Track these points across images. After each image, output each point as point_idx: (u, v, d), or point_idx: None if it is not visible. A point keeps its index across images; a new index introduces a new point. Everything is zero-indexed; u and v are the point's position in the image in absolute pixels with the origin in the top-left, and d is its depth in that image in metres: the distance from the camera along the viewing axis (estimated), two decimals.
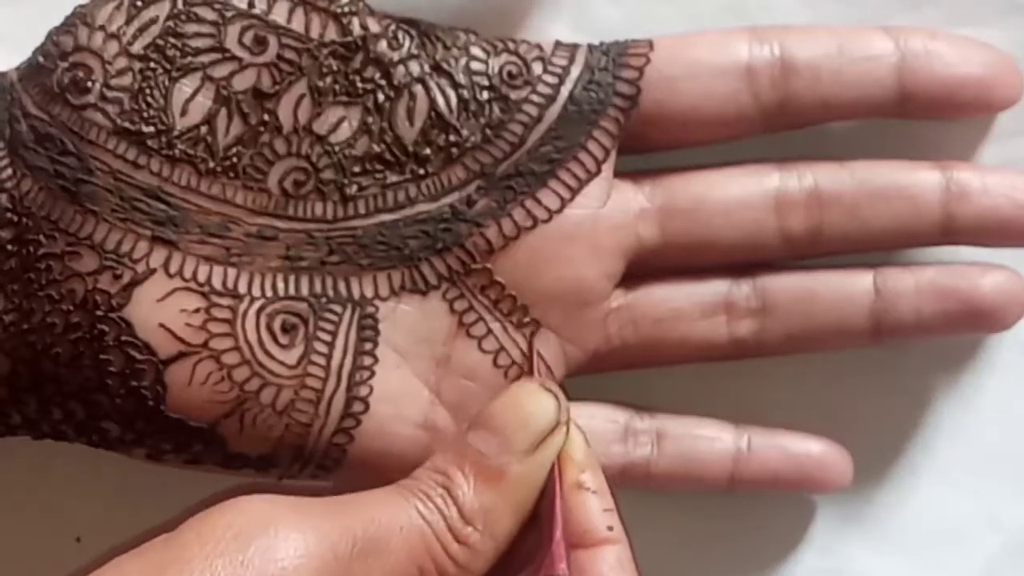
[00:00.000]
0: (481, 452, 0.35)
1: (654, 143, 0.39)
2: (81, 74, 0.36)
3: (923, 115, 0.40)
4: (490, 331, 0.38)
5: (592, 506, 0.35)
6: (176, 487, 0.42)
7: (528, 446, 0.35)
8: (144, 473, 0.42)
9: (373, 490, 0.35)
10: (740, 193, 0.39)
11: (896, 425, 0.43)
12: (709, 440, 0.40)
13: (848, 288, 0.40)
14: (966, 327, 0.40)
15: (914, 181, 0.39)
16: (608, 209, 0.38)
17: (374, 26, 0.38)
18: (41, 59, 0.36)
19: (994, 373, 0.43)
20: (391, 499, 0.35)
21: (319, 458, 0.37)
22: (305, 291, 0.37)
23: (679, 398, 0.41)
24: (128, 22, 0.36)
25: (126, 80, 0.36)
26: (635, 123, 0.38)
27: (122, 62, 0.36)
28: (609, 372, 0.40)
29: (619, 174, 0.39)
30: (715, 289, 0.40)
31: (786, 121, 0.39)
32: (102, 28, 0.36)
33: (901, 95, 0.39)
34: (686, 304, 0.40)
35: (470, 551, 0.34)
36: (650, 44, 0.39)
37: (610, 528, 0.35)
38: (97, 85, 0.36)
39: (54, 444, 0.39)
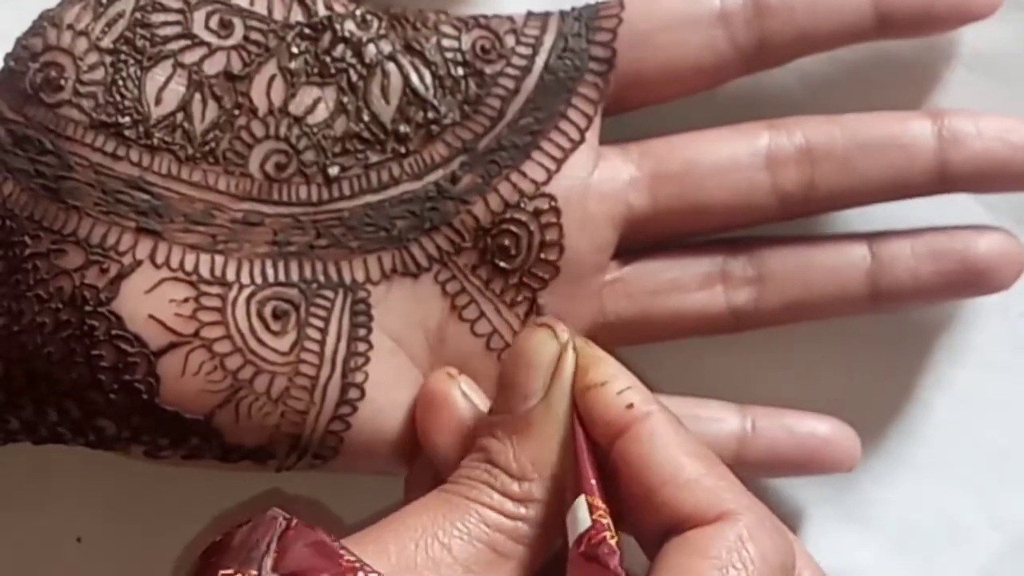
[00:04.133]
0: (506, 412, 0.35)
1: (637, 101, 0.40)
2: (53, 73, 0.36)
3: (904, 34, 0.40)
4: (483, 314, 0.39)
5: (605, 396, 0.35)
6: (177, 487, 0.43)
7: (543, 383, 0.35)
8: (144, 474, 0.43)
9: (419, 500, 0.35)
10: (730, 154, 0.39)
11: (896, 423, 0.43)
12: (712, 422, 0.40)
13: (844, 254, 0.40)
14: (963, 288, 0.40)
15: (906, 130, 0.39)
16: (596, 178, 0.39)
17: (339, 7, 0.38)
18: (12, 64, 0.37)
19: (994, 372, 0.43)
20: (432, 502, 0.35)
21: (316, 446, 0.37)
22: (295, 277, 0.37)
23: (679, 380, 0.41)
24: (96, 19, 0.37)
25: (98, 74, 0.36)
26: (615, 84, 0.39)
27: (93, 57, 0.36)
28: (606, 349, 0.39)
29: (606, 142, 0.39)
30: (711, 260, 0.40)
31: (766, 60, 0.39)
32: (70, 27, 0.37)
33: (878, 16, 0.39)
34: (682, 275, 0.40)
35: (534, 504, 0.35)
36: (620, 3, 0.39)
37: (630, 406, 0.35)
38: (70, 82, 0.36)
39: (54, 445, 0.39)
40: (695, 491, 0.33)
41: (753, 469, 0.40)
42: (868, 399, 0.42)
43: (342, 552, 0.28)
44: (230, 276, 0.37)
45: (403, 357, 0.38)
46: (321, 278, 0.37)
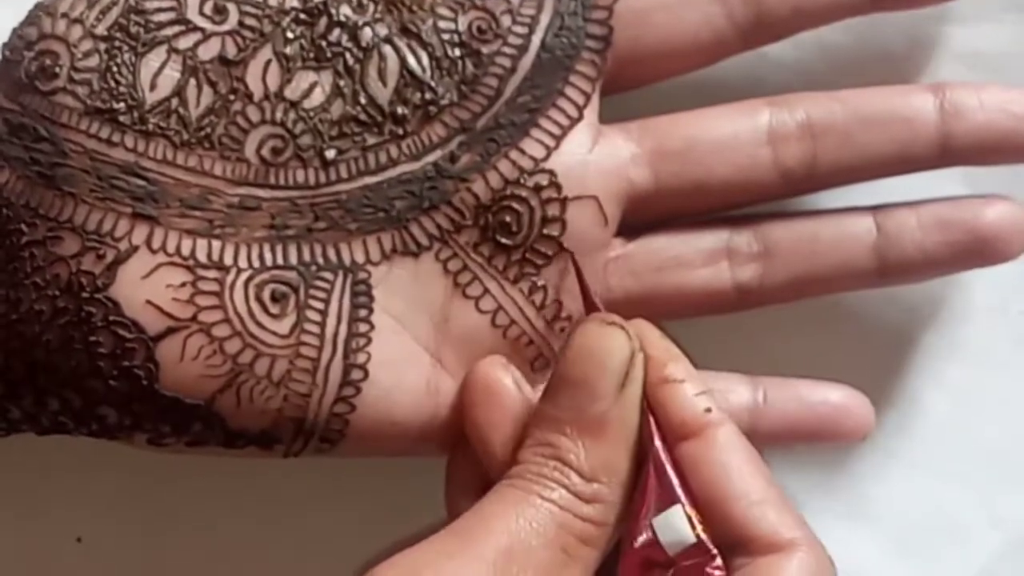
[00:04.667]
0: (575, 410, 0.35)
1: (636, 79, 0.40)
2: (48, 61, 0.36)
3: (899, 6, 0.40)
4: (487, 290, 0.38)
5: (683, 394, 0.35)
6: (177, 487, 0.43)
7: (615, 386, 0.35)
8: (144, 473, 0.43)
9: (488, 497, 0.35)
10: (731, 130, 0.39)
11: (896, 421, 0.43)
12: (723, 394, 0.40)
13: (850, 227, 0.40)
14: (971, 259, 0.40)
15: (907, 103, 0.39)
16: (596, 155, 0.39)
17: None
18: (8, 54, 0.37)
19: (994, 370, 0.43)
20: (509, 501, 0.35)
21: (321, 430, 0.37)
22: (294, 260, 0.37)
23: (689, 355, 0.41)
24: (90, 7, 0.37)
25: (93, 61, 0.37)
26: (613, 62, 0.39)
27: (87, 44, 0.37)
28: None
29: (606, 121, 0.39)
30: (716, 236, 0.40)
31: (764, 36, 0.40)
32: (65, 16, 0.37)
33: None
34: (687, 251, 0.40)
35: (602, 506, 0.35)
36: None
37: (708, 410, 0.35)
38: (64, 69, 0.36)
39: (54, 444, 0.39)
40: (767, 512, 0.34)
41: (766, 440, 0.40)
42: (867, 397, 0.42)
43: None
44: (227, 260, 0.37)
45: (407, 337, 0.38)
46: (320, 260, 0.37)
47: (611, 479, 0.35)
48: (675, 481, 0.34)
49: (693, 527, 0.34)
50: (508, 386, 0.38)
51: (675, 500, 0.34)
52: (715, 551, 0.34)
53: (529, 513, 0.34)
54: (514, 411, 0.37)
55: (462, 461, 0.38)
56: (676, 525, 0.34)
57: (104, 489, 0.43)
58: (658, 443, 0.35)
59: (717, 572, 0.34)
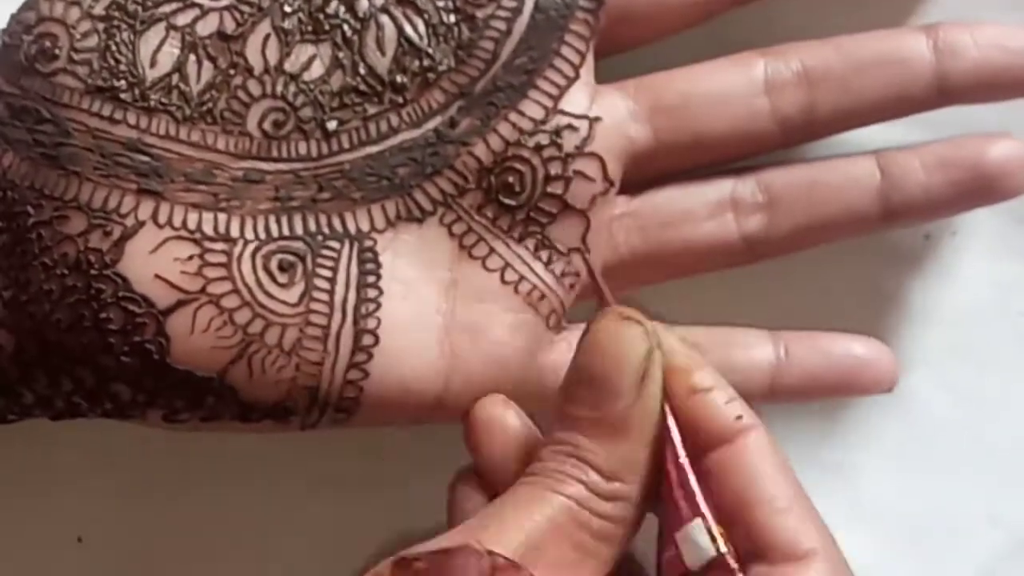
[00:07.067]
0: (594, 407, 0.35)
1: (630, 39, 0.41)
2: (48, 43, 0.37)
3: None
4: (492, 250, 0.39)
5: (714, 403, 0.35)
6: (179, 486, 0.44)
7: (634, 383, 0.35)
8: (145, 472, 0.43)
9: (504, 496, 0.35)
10: (727, 82, 0.40)
11: (896, 420, 0.44)
12: (745, 349, 0.40)
13: (852, 172, 0.40)
14: (976, 197, 0.40)
15: (902, 45, 0.40)
16: (594, 113, 0.39)
17: None
18: (7, 39, 0.38)
19: (994, 370, 0.44)
20: (525, 498, 0.35)
21: (336, 399, 0.38)
22: (300, 230, 0.38)
23: (706, 315, 0.41)
24: None
25: (92, 41, 0.37)
26: (607, 22, 0.40)
27: (86, 25, 0.38)
28: (625, 290, 0.40)
29: (602, 81, 0.40)
30: (720, 188, 0.41)
31: None
32: None
33: None
34: (692, 204, 0.40)
35: (621, 503, 0.35)
36: None
37: (739, 417, 0.35)
38: (64, 50, 0.37)
39: (55, 444, 0.40)
40: (789, 520, 0.34)
41: (790, 395, 0.40)
42: (868, 397, 0.42)
43: None
44: (234, 232, 0.37)
45: (416, 301, 0.39)
46: (326, 230, 0.38)
47: (631, 477, 0.35)
48: (698, 494, 0.34)
49: (714, 540, 0.34)
50: (511, 420, 0.38)
51: (697, 513, 0.34)
52: (735, 566, 0.34)
53: (545, 510, 0.34)
54: (517, 442, 0.38)
55: (463, 493, 0.39)
56: (697, 539, 0.34)
57: (104, 489, 0.43)
58: (682, 455, 0.35)
59: None
